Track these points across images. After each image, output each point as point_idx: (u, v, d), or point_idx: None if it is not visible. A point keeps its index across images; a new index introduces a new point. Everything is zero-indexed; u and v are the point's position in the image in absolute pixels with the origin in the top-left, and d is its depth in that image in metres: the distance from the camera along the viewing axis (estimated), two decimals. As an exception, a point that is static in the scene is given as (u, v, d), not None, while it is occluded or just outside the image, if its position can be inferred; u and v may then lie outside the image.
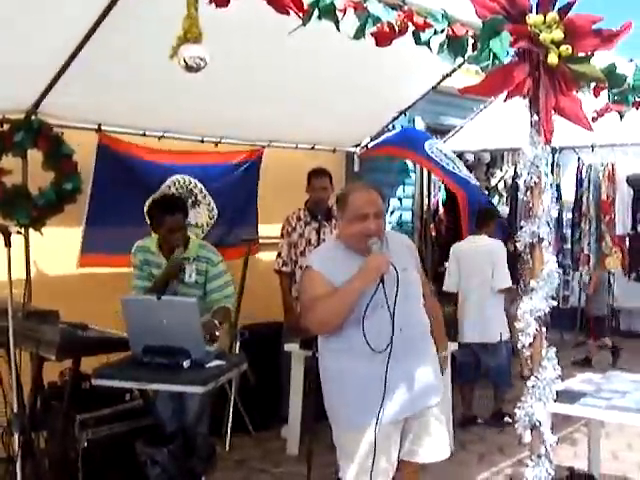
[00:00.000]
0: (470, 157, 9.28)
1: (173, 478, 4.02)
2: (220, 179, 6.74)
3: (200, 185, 6.58)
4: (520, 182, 2.95)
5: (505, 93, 2.87)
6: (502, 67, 2.76)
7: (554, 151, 7.92)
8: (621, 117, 3.64)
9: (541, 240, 2.93)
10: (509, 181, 9.58)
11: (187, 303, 4.17)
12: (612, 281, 9.81)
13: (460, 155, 9.01)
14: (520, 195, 3.00)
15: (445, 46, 2.72)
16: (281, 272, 6.37)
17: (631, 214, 7.42)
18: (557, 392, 4.15)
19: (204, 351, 4.15)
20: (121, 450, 4.57)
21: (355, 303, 3.39)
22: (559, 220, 7.65)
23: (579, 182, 7.72)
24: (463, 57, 2.80)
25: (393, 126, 8.26)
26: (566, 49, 2.76)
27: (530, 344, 2.95)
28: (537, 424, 2.94)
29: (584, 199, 7.57)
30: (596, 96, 3.31)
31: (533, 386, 2.95)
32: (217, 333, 4.57)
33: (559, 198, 7.71)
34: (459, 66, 6.70)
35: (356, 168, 7.85)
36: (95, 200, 5.79)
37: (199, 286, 4.84)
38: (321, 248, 4.01)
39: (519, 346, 3.00)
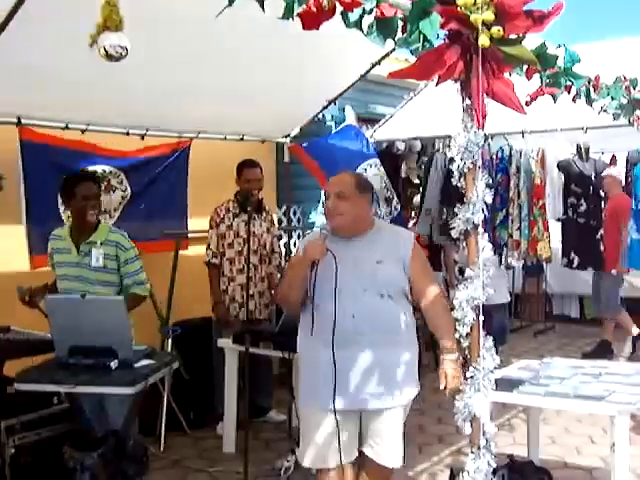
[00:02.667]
0: (401, 146, 9.22)
1: (104, 483, 3.87)
2: (145, 171, 6.55)
3: (120, 173, 6.36)
4: (453, 168, 2.86)
5: (436, 77, 2.78)
6: (433, 50, 2.66)
7: (485, 138, 7.93)
8: (554, 100, 3.60)
9: (476, 227, 2.85)
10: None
11: (113, 301, 4.02)
12: (545, 267, 9.93)
13: (391, 144, 8.98)
14: (454, 181, 2.93)
15: (374, 27, 2.62)
16: (210, 264, 6.23)
17: (562, 199, 7.46)
18: (495, 380, 4.14)
19: (132, 350, 4.00)
20: (51, 455, 4.40)
21: (297, 283, 3.63)
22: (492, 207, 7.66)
23: (503, 167, 7.66)
24: (393, 39, 2.70)
25: (323, 115, 8.17)
26: (497, 31, 2.67)
27: (467, 334, 2.87)
28: (477, 415, 2.86)
29: (512, 184, 7.52)
30: (529, 78, 3.26)
31: (472, 377, 2.87)
32: None
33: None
34: (388, 53, 6.67)
35: (286, 159, 7.75)
36: (30, 199, 5.57)
37: (111, 271, 4.63)
38: (315, 230, 4.09)
39: (456, 335, 2.93)
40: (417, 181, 9.58)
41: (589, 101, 3.98)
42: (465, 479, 2.87)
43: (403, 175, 9.56)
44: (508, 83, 2.88)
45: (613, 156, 8.48)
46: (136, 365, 3.93)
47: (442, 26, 2.62)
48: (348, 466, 3.76)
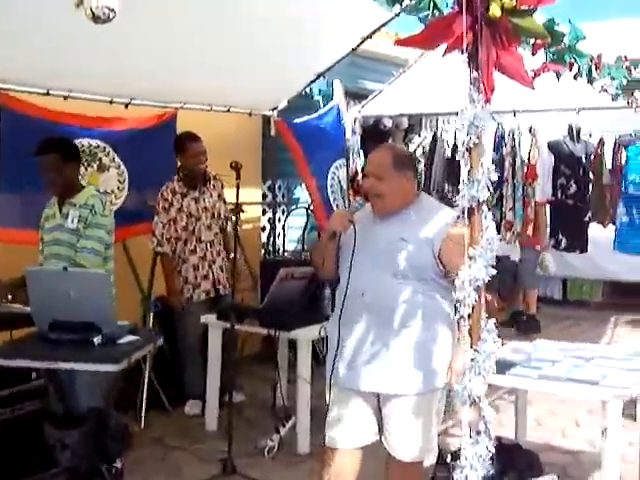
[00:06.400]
0: (388, 123, 9.13)
1: (85, 461, 3.75)
2: (132, 145, 6.29)
3: (108, 149, 6.16)
4: (459, 143, 2.75)
5: (444, 47, 2.67)
6: (442, 18, 2.55)
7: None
8: (558, 78, 3.50)
9: (480, 204, 2.75)
10: (427, 148, 9.46)
11: (97, 275, 3.88)
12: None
13: (378, 120, 8.87)
14: (457, 157, 2.82)
15: (383, -8, 2.50)
16: (158, 253, 6.02)
17: (551, 180, 7.38)
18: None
19: (116, 326, 3.87)
20: (28, 432, 4.29)
21: (321, 252, 3.64)
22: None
23: (497, 146, 7.62)
24: (401, 5, 2.58)
25: (311, 89, 8.02)
26: (509, 1, 2.57)
27: (469, 315, 2.78)
28: (476, 399, 2.77)
29: (506, 164, 7.47)
30: (534, 53, 3.15)
31: (472, 359, 2.77)
32: None
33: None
34: (379, 28, 6.55)
35: (273, 132, 7.60)
36: (5, 168, 5.38)
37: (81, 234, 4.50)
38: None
39: (457, 317, 2.83)
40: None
41: (590, 80, 3.89)
42: (463, 464, 2.79)
43: (388, 152, 9.44)
44: (517, 56, 2.78)
45: (601, 138, 8.40)
46: (120, 341, 3.80)
47: (452, -6, 2.51)
48: (355, 451, 3.62)
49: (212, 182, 6.11)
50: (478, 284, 2.74)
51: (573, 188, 7.24)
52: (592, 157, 7.56)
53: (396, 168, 3.47)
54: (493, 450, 2.82)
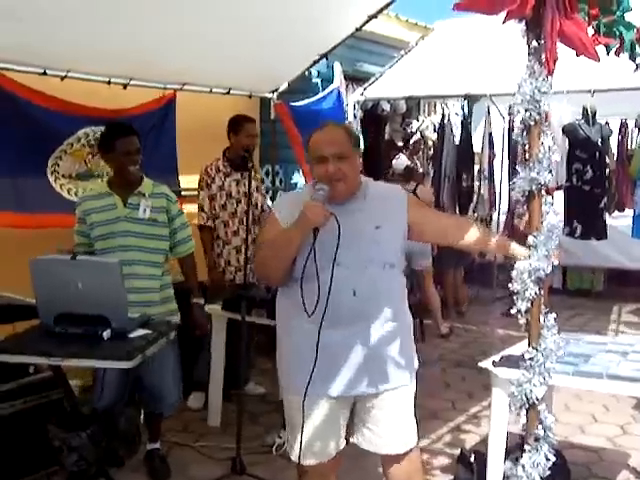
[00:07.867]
0: (386, 107, 8.88)
1: (92, 465, 3.47)
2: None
3: None
4: (517, 120, 2.51)
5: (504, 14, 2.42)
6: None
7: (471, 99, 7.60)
8: (607, 51, 3.24)
9: (541, 188, 2.51)
10: (426, 132, 9.25)
11: (107, 264, 3.57)
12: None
13: (376, 104, 8.65)
14: (514, 136, 2.56)
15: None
16: (205, 227, 5.77)
17: (566, 165, 7.11)
18: (509, 357, 3.83)
19: (126, 319, 3.57)
20: (29, 428, 4.05)
21: (289, 255, 3.02)
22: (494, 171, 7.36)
23: (510, 130, 7.37)
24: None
25: (309, 72, 7.76)
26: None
27: (527, 310, 2.54)
28: (535, 402, 2.53)
29: (519, 149, 7.25)
30: (589, 24, 2.89)
31: (531, 359, 2.54)
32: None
33: (492, 147, 7.40)
34: (386, 6, 6.32)
35: (272, 115, 7.32)
36: None
37: (160, 224, 4.36)
38: (292, 192, 3.65)
39: (513, 311, 2.58)
40: (401, 143, 9.29)
41: (633, 56, 3.63)
42: (519, 474, 2.56)
43: (386, 137, 9.24)
44: (581, 25, 2.54)
45: (606, 122, 8.13)
46: (131, 335, 3.51)
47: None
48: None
49: (253, 171, 5.85)
50: (539, 275, 2.51)
51: (589, 173, 6.96)
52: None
53: (353, 144, 3.15)
54: (553, 458, 2.57)
